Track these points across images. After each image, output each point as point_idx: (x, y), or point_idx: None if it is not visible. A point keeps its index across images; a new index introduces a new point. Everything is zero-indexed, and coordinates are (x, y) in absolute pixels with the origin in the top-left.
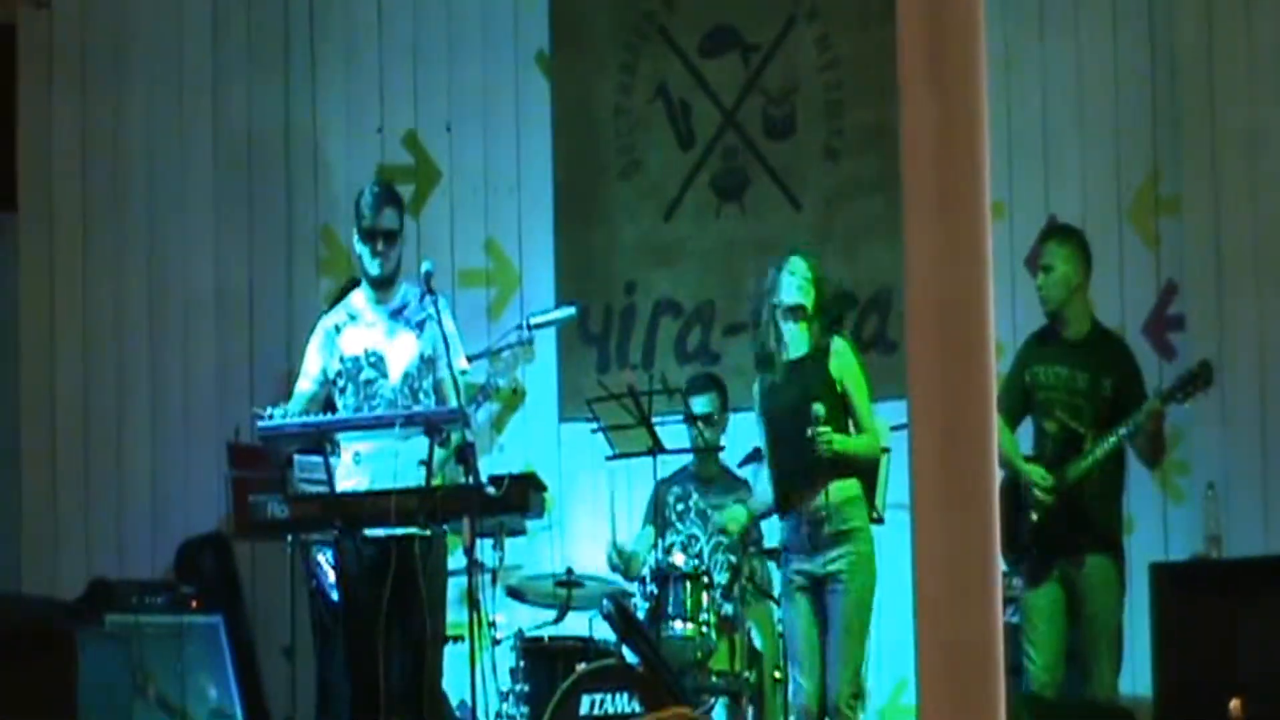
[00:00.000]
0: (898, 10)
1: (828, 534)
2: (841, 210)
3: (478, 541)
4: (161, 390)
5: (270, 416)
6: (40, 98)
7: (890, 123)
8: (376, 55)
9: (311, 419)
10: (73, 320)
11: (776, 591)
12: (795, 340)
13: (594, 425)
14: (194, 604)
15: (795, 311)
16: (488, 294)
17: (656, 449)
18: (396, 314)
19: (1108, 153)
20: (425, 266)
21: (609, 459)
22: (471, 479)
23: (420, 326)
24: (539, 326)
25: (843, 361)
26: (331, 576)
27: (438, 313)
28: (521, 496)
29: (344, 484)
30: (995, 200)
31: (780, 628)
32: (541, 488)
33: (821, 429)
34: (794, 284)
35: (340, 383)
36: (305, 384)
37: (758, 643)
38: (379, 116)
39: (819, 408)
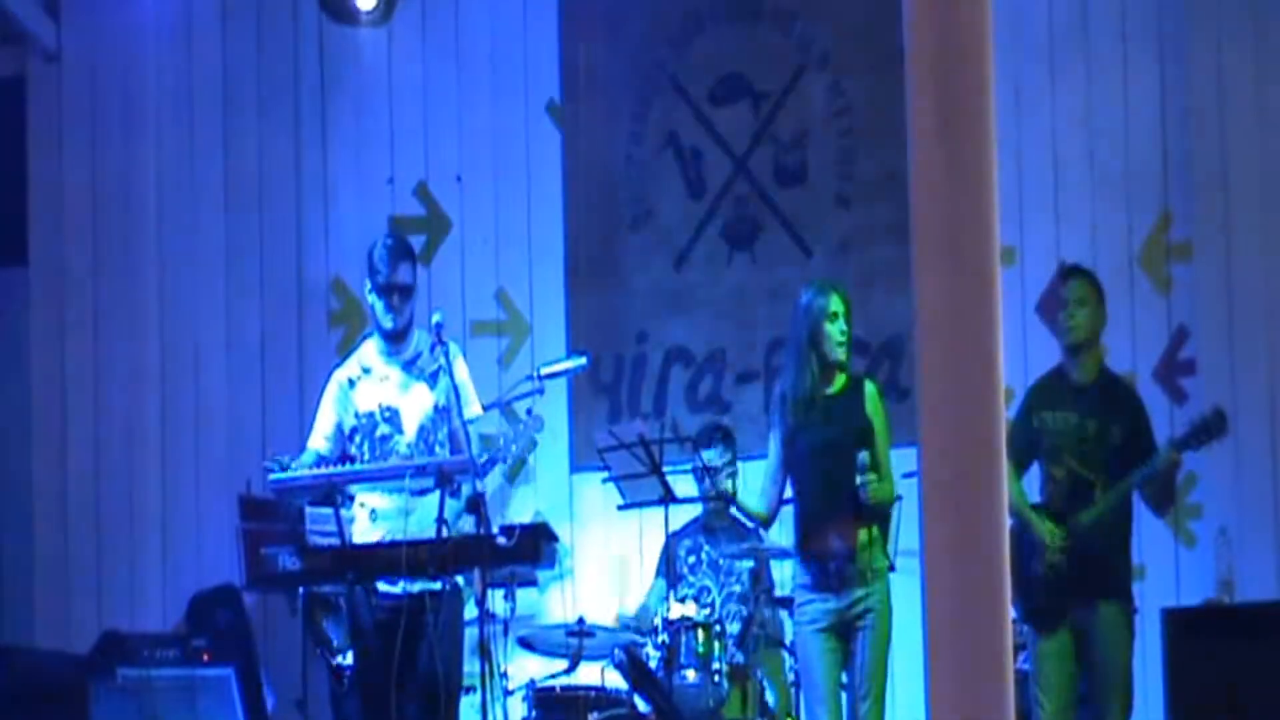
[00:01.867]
0: (907, 58)
1: (859, 571)
2: (853, 257)
3: (489, 592)
4: (173, 443)
5: (282, 469)
6: (50, 151)
7: (902, 169)
8: (387, 106)
9: (323, 471)
10: (84, 373)
11: (788, 640)
12: (834, 380)
13: (606, 475)
14: (206, 657)
15: (840, 365)
16: (499, 344)
17: (668, 498)
18: (409, 365)
19: (1119, 198)
20: (436, 317)
21: (621, 508)
22: (483, 529)
23: (433, 377)
24: (549, 376)
25: (873, 407)
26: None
27: (448, 362)
28: (533, 547)
29: (361, 540)
30: (1005, 246)
31: (793, 675)
32: (553, 538)
33: (871, 476)
34: (838, 334)
35: (356, 439)
36: (318, 441)
37: (769, 692)
38: (390, 167)
39: (865, 456)
